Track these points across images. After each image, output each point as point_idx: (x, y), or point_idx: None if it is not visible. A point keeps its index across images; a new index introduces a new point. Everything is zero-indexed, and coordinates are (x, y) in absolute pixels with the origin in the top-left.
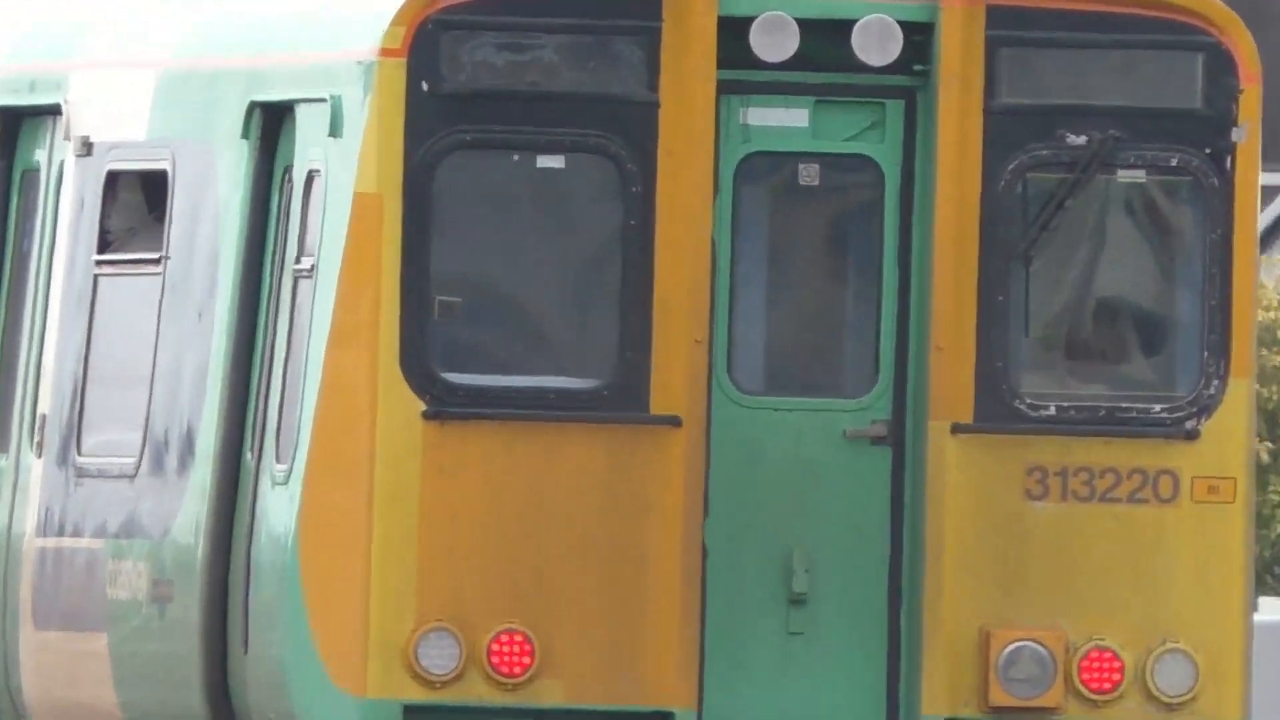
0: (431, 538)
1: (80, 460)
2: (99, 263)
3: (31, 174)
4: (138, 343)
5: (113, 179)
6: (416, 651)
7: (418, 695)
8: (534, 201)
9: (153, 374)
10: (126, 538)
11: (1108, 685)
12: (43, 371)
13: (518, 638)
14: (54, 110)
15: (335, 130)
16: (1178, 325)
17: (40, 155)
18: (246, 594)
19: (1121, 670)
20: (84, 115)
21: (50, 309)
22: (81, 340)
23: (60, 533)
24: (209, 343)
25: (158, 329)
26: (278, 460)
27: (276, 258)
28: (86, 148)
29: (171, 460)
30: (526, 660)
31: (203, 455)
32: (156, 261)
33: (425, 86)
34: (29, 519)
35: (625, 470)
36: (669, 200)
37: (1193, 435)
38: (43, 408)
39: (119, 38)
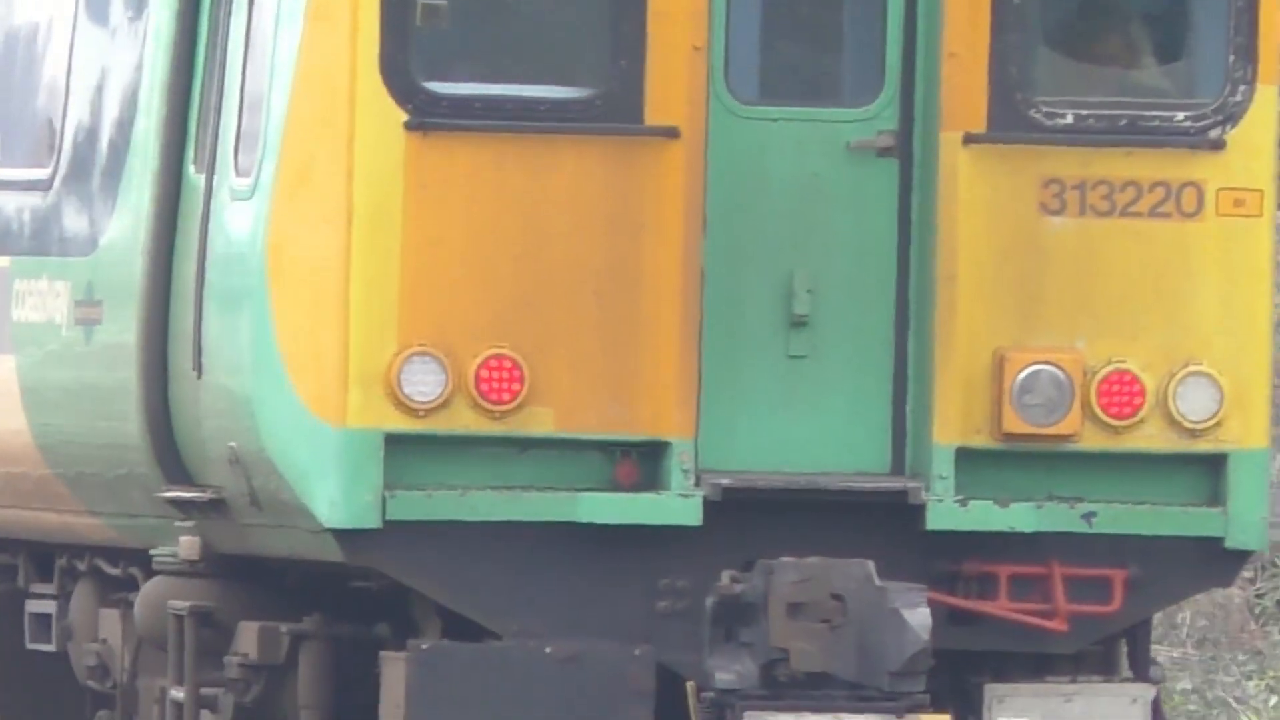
0: (415, 257)
1: None
2: None
3: None
4: (38, 48)
5: None
6: (399, 378)
7: (400, 424)
8: None
9: (68, 80)
10: (37, 254)
11: (1128, 410)
12: None
13: (506, 363)
14: None
15: None
16: (1203, 27)
17: None
18: (199, 316)
19: (1143, 394)
20: None
21: None
22: None
23: None
24: (142, 47)
25: (72, 33)
26: (237, 174)
27: None
28: None
29: (96, 173)
30: (515, 387)
31: (138, 168)
32: None
33: None
34: None
35: (620, 185)
36: None
37: (1218, 145)
38: None
39: None
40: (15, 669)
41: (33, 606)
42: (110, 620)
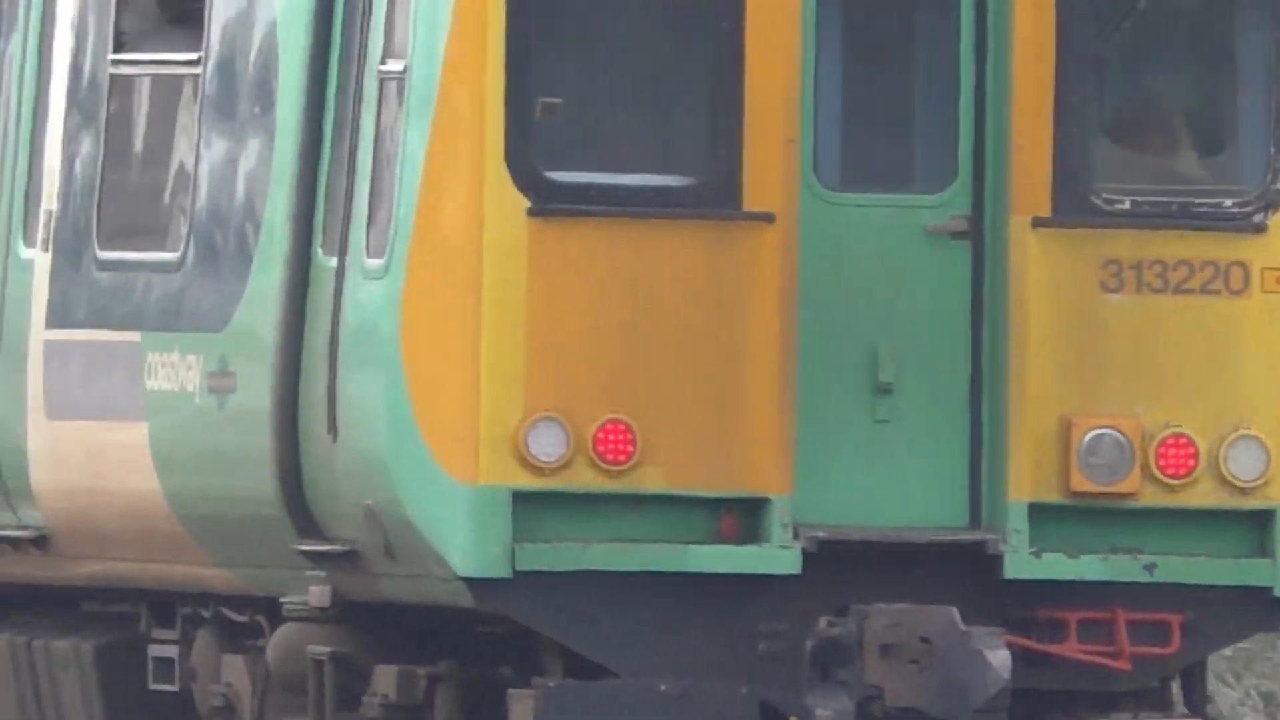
0: (538, 331)
1: (100, 253)
2: (115, 63)
3: None
4: (172, 140)
5: None
6: (526, 440)
7: (526, 482)
8: (631, 9)
9: (196, 170)
10: (169, 329)
11: (1183, 470)
12: (45, 171)
13: (621, 427)
14: None
15: None
16: (1244, 122)
17: None
18: (332, 385)
19: (1196, 455)
20: None
21: (49, 108)
22: (95, 135)
23: (78, 325)
24: (271, 141)
25: (199, 127)
26: (369, 255)
27: (350, 59)
28: None
29: (226, 255)
30: (630, 449)
31: (268, 249)
32: (195, 62)
33: None
34: (33, 312)
35: (721, 264)
36: (762, 7)
37: (1261, 228)
38: (47, 205)
39: None
40: (138, 709)
41: (155, 651)
42: (235, 664)
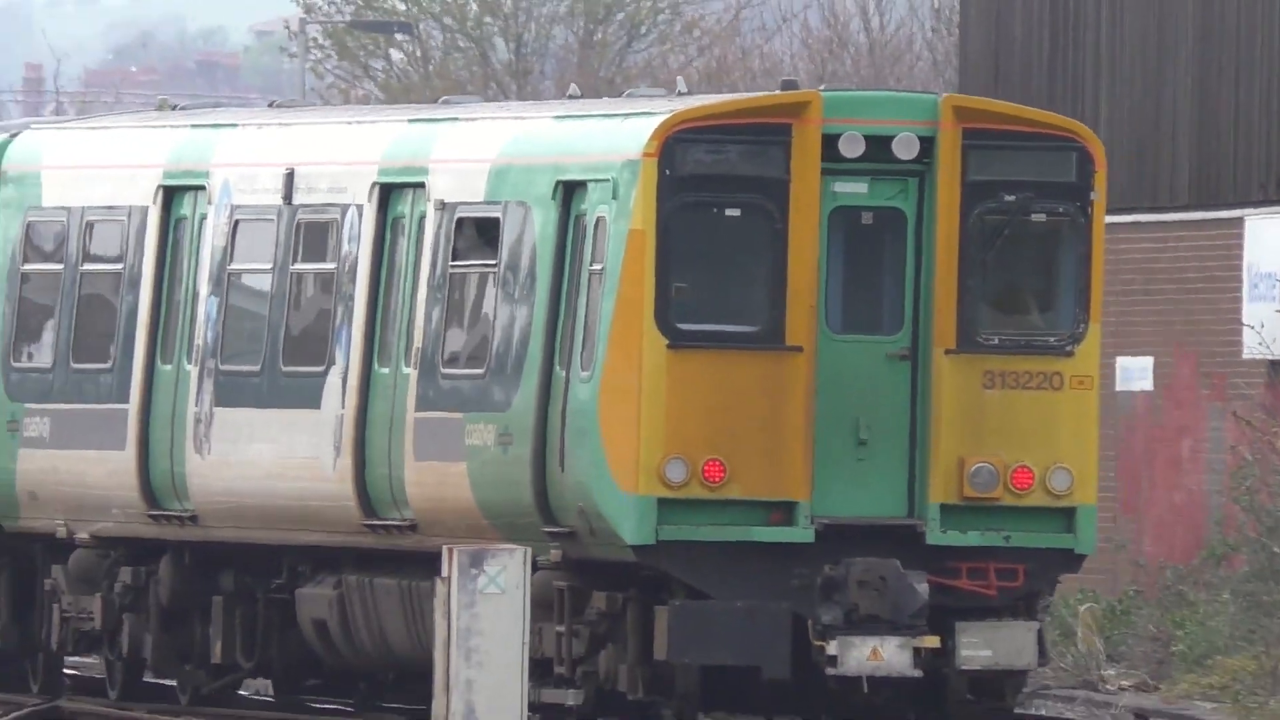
0: (672, 410)
1: (443, 370)
2: (452, 266)
3: (399, 220)
4: (480, 307)
5: (460, 222)
6: (664, 470)
7: (664, 493)
8: (723, 234)
9: (493, 324)
10: (478, 410)
11: (1026, 486)
12: (414, 324)
13: (718, 462)
14: (419, 184)
15: (615, 196)
16: (1063, 294)
17: (405, 210)
18: (562, 440)
19: (1033, 478)
20: (439, 187)
21: (418, 291)
22: (442, 305)
23: (431, 409)
24: (531, 309)
25: (495, 300)
26: (582, 369)
27: (575, 263)
28: (442, 206)
29: (508, 369)
30: (722, 474)
31: (530, 366)
32: (494, 265)
33: (667, 172)
34: (409, 402)
35: (773, 375)
36: (796, 232)
37: (1071, 354)
38: (416, 343)
39: (461, 144)
40: None
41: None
42: None
